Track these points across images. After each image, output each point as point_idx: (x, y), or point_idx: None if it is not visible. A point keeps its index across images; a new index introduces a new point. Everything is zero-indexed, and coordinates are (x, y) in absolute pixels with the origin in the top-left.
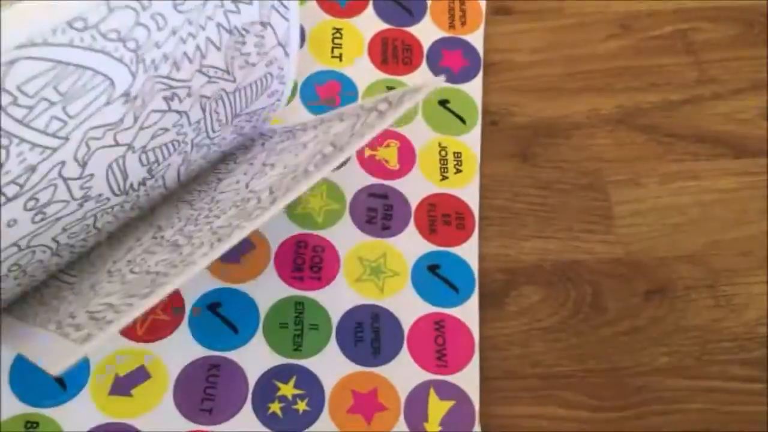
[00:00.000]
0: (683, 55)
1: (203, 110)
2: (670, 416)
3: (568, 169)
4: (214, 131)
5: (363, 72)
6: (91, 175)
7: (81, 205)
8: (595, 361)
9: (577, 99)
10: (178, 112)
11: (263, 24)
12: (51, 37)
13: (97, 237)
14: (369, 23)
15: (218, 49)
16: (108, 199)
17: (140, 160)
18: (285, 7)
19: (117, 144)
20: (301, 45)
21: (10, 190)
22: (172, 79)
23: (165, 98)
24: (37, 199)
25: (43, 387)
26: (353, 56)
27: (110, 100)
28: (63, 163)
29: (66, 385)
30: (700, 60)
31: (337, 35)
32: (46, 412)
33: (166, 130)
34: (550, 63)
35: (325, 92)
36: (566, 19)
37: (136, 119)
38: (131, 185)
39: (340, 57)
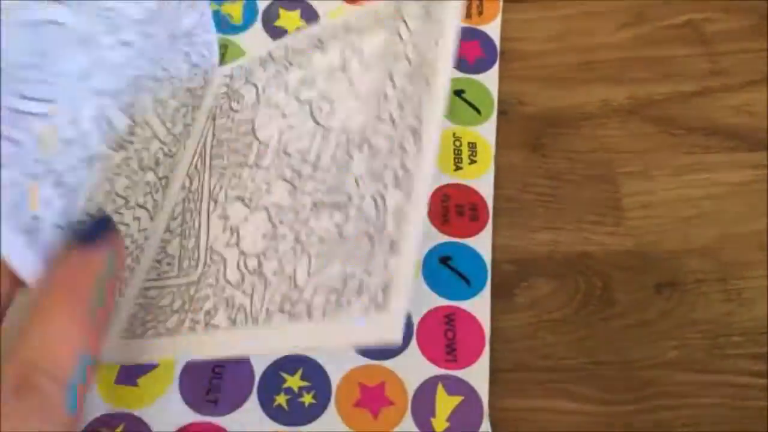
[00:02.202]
0: (696, 45)
1: (145, 37)
2: (680, 410)
3: (579, 160)
4: (163, 59)
5: None
6: (84, 133)
7: (87, 165)
8: (605, 354)
9: (588, 89)
10: (122, 43)
11: None
12: None
13: (128, 208)
14: None
15: None
16: (109, 157)
17: (119, 107)
18: None
19: (92, 95)
20: None
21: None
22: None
23: (108, 30)
24: (53, 170)
25: None
26: None
27: (66, 40)
28: (61, 127)
29: None
30: (713, 51)
31: None
32: None
33: (122, 65)
34: (562, 52)
35: None
36: (578, 7)
37: (94, 62)
38: (123, 138)
39: None
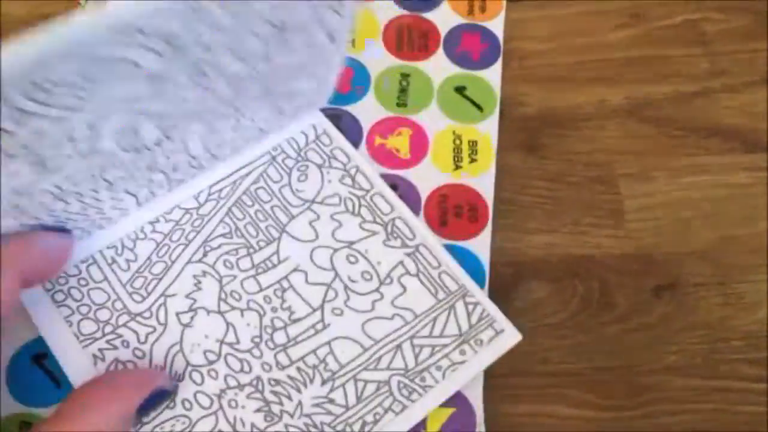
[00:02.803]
0: (694, 46)
1: (233, 88)
2: (679, 416)
3: (577, 161)
4: (245, 106)
5: (377, 58)
6: (99, 135)
7: (85, 158)
8: (603, 359)
9: (585, 89)
10: (204, 88)
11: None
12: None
13: (108, 187)
14: (384, 9)
15: (257, 36)
16: (116, 155)
17: (157, 125)
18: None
19: (131, 111)
20: None
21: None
22: (203, 60)
23: (189, 75)
24: (38, 155)
25: (38, 386)
26: (367, 41)
27: (133, 76)
28: (73, 128)
29: (60, 384)
30: (712, 51)
31: None
32: (42, 411)
33: (187, 100)
34: (559, 52)
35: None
36: (576, 7)
37: (155, 92)
38: (144, 145)
39: (353, 42)
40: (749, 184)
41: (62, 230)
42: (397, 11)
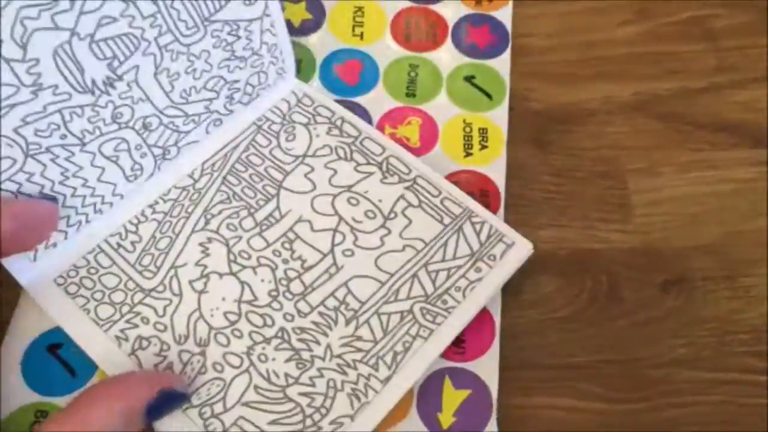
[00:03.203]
0: (700, 42)
1: (155, 3)
2: (687, 408)
3: (585, 156)
4: (183, 35)
5: (385, 50)
6: (36, 59)
7: (35, 94)
8: (612, 352)
9: (592, 85)
10: None
11: None
12: None
13: (81, 147)
14: (392, 1)
15: None
16: (69, 94)
17: (92, 51)
18: None
19: (57, 27)
20: (321, 24)
21: None
22: None
23: None
24: None
25: (53, 376)
26: (375, 34)
27: None
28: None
29: (75, 373)
30: (718, 47)
31: (359, 13)
32: (57, 400)
33: (114, 19)
34: (566, 48)
35: (345, 72)
36: (581, 3)
37: (72, 2)
38: (94, 82)
39: (361, 35)
40: (755, 179)
41: (49, 199)
42: (404, 3)
